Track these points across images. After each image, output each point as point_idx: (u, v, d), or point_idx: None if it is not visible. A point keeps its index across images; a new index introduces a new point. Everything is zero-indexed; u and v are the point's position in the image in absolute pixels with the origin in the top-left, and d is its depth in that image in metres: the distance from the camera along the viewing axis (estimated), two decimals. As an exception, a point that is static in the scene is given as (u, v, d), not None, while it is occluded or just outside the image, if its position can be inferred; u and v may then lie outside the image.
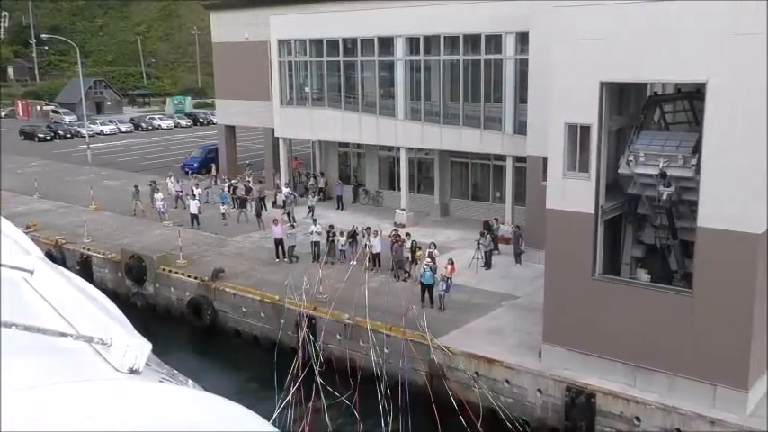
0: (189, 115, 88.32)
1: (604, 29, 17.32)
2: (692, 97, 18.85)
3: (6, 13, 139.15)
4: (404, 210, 35.03)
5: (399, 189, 35.88)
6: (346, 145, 40.31)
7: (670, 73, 17.16)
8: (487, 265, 28.17)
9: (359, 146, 39.56)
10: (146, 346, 2.93)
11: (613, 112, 19.81)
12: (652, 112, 19.65)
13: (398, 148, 35.28)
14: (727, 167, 16.09)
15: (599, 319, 18.54)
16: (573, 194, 18.48)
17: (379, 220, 33.79)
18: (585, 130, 18.02)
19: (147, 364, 2.91)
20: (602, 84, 17.62)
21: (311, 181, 40.90)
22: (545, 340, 19.72)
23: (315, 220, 30.33)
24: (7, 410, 2.20)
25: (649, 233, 20.44)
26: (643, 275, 19.57)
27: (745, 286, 16.34)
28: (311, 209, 35.37)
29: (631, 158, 18.33)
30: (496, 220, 30.59)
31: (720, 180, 16.24)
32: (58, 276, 3.45)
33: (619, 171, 18.82)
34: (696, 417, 16.91)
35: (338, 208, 38.20)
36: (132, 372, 2.79)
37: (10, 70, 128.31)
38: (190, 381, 3.53)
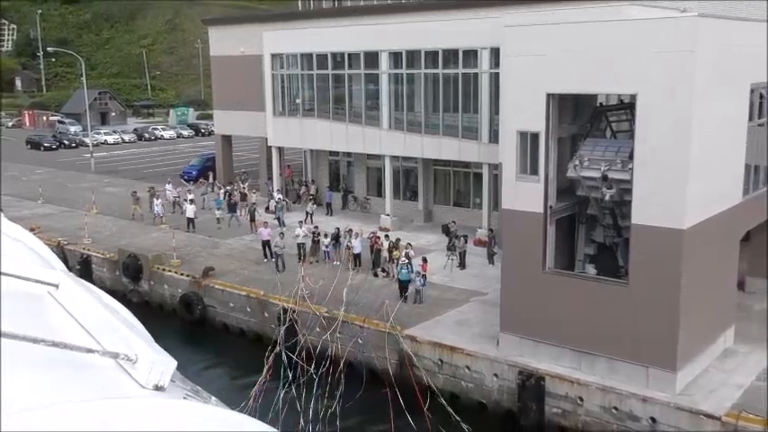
0: (191, 126, 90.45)
1: (549, 46, 19.23)
2: (632, 107, 20.70)
3: (15, 27, 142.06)
4: (388, 215, 36.92)
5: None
6: (336, 154, 42.25)
7: (607, 86, 19.10)
8: (462, 265, 30.01)
9: (348, 154, 41.50)
10: (170, 362, 2.98)
11: (567, 121, 21.77)
12: (598, 121, 21.54)
13: (383, 157, 37.19)
14: (655, 170, 17.96)
15: (549, 309, 20.35)
16: (525, 195, 20.35)
17: (367, 225, 35.61)
18: (535, 136, 19.90)
19: (171, 380, 2.95)
20: (548, 95, 19.51)
21: (303, 189, 42.83)
22: (502, 330, 21.53)
23: (300, 224, 32.21)
24: (37, 427, 2.25)
25: (599, 232, 22.26)
26: (591, 270, 21.39)
27: (672, 277, 18.16)
28: (309, 215, 37.26)
29: (577, 163, 20.21)
30: (454, 222, 32.50)
31: (650, 182, 18.10)
32: (83, 291, 3.46)
33: (567, 174, 20.68)
34: (630, 395, 18.69)
35: (327, 214, 40.06)
36: (157, 388, 2.82)
37: (17, 81, 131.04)
38: (213, 397, 3.63)
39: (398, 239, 29.92)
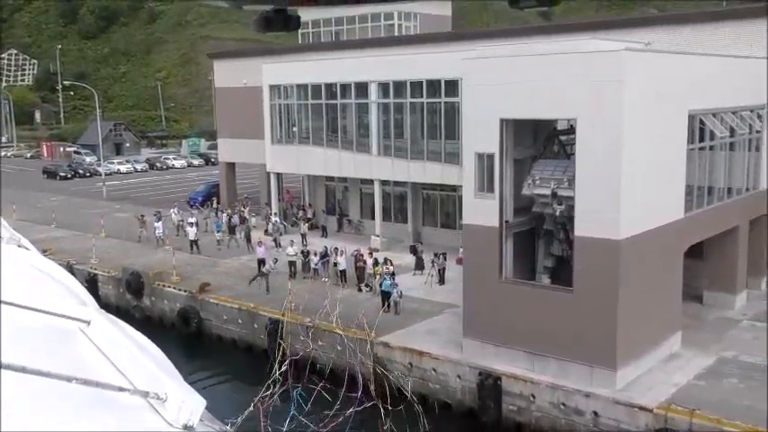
0: (201, 155, 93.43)
1: (501, 76, 21.42)
2: (579, 131, 22.76)
3: (35, 61, 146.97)
4: (378, 236, 39.02)
5: (378, 218, 39.92)
6: (332, 179, 44.52)
7: (552, 112, 21.21)
8: (441, 281, 31.99)
9: (344, 180, 43.77)
10: (200, 402, 2.99)
11: (528, 144, 23.89)
12: (552, 143, 23.63)
13: (374, 181, 39.42)
14: (593, 187, 19.98)
15: (506, 315, 22.27)
16: (483, 211, 22.42)
17: (352, 245, 37.65)
18: (490, 157, 22.01)
19: (200, 419, 2.95)
20: (501, 120, 21.66)
21: (300, 212, 45.07)
22: (464, 335, 23.46)
23: (292, 242, 34.39)
24: None
25: (557, 246, 24.19)
26: (545, 280, 23.32)
27: (611, 284, 20.07)
28: (303, 236, 39.52)
29: (530, 182, 22.26)
30: (420, 243, 35.30)
31: (589, 197, 20.11)
32: (114, 328, 3.48)
33: (522, 192, 22.72)
34: (575, 392, 20.52)
35: (323, 236, 42.20)
36: (186, 428, 2.84)
37: (37, 114, 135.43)
38: None
39: (386, 258, 31.88)
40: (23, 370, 2.55)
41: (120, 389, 2.84)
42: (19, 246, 5.50)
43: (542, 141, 23.84)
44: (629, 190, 19.87)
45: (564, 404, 20.75)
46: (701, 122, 23.55)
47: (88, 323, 3.34)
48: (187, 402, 2.92)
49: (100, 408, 2.72)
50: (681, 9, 68.63)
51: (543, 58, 20.77)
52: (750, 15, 30.13)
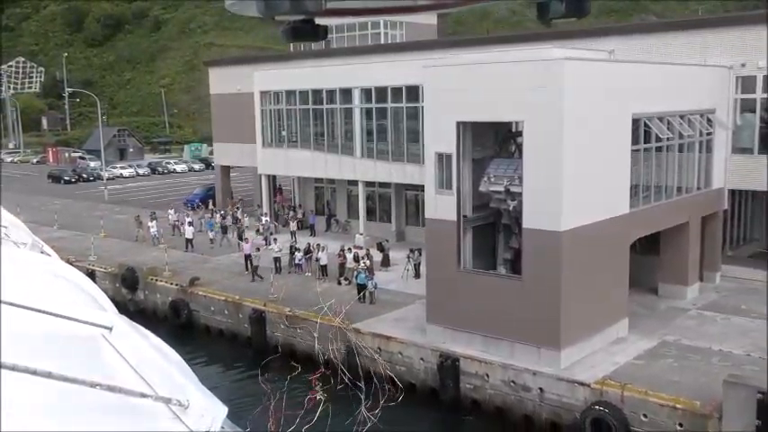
0: (203, 160, 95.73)
1: (457, 83, 23.44)
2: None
3: (42, 69, 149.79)
4: (362, 234, 40.99)
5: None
6: (321, 181, 46.61)
7: (502, 115, 23.19)
8: (417, 275, 33.95)
9: (331, 182, 45.83)
10: (221, 409, 3.03)
11: (487, 144, 25.86)
12: (508, 143, 25.62)
13: (358, 182, 41.49)
14: (538, 184, 21.95)
15: (464, 302, 24.22)
16: (443, 206, 24.41)
17: (336, 243, 39.70)
18: (449, 157, 24.00)
19: (221, 426, 3.00)
20: (458, 123, 23.65)
21: (290, 213, 47.15)
22: (428, 321, 25.42)
23: (275, 240, 36.47)
24: None
25: (515, 239, 26.12)
26: (502, 270, 25.26)
27: (554, 271, 22.01)
28: (293, 233, 41.66)
29: (486, 179, 24.24)
30: (387, 241, 37.45)
31: (535, 193, 22.08)
32: (136, 334, 3.53)
33: (479, 189, 24.69)
34: (524, 370, 22.45)
35: (311, 235, 44.22)
36: None
37: (44, 121, 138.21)
38: None
39: (367, 251, 33.97)
40: (49, 375, 2.58)
41: (143, 395, 2.86)
42: (41, 252, 5.59)
43: (499, 142, 25.80)
44: (571, 186, 21.81)
45: (514, 382, 22.68)
46: (647, 125, 25.47)
47: (110, 329, 3.34)
48: (209, 409, 2.95)
49: (123, 414, 2.76)
50: (687, 16, 70.58)
51: (494, 66, 22.79)
52: (688, 27, 32.35)
